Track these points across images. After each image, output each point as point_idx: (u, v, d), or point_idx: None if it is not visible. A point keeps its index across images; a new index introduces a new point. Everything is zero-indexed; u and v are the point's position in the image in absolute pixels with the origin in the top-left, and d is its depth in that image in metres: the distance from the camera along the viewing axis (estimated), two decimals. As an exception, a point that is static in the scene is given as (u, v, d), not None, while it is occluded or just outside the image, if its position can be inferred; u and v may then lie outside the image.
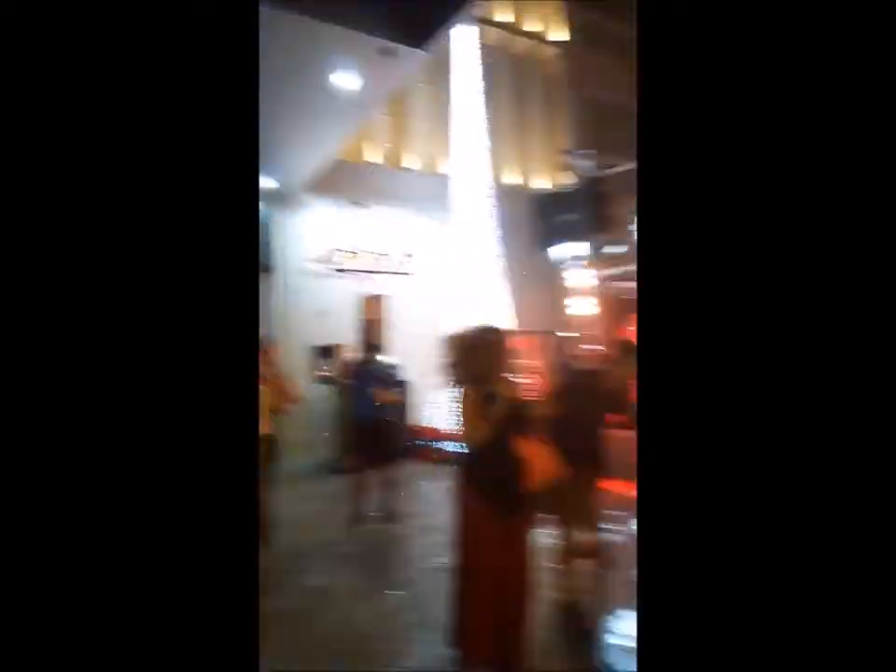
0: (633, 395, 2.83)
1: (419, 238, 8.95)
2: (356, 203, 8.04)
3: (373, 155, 8.95)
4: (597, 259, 6.96)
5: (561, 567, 2.98)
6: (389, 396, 4.51)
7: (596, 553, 3.37)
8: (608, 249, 6.73)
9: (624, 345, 3.02)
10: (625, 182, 7.82)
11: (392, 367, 5.00)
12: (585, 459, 3.09)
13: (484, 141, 8.09)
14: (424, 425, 7.51)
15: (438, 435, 7.17)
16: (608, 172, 6.66)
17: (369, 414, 4.34)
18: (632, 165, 7.20)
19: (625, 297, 8.36)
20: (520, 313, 7.97)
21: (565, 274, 7.87)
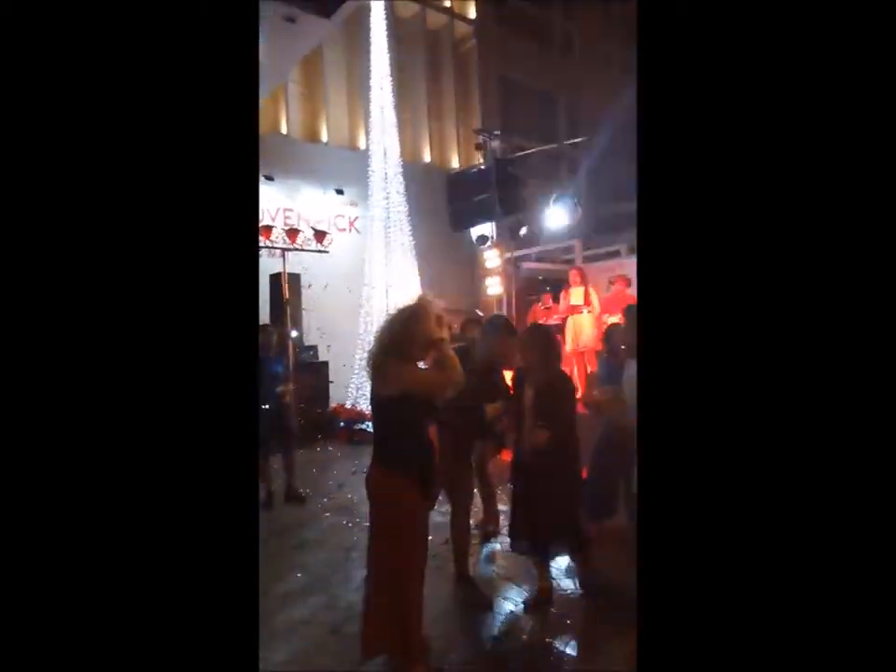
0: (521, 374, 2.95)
1: (333, 215, 8.70)
2: (264, 177, 7.65)
3: (284, 126, 8.55)
4: (509, 240, 7.09)
5: (458, 541, 3.07)
6: (286, 382, 4.65)
7: (489, 524, 3.50)
8: (521, 232, 6.86)
9: (533, 331, 3.07)
10: (535, 165, 8.01)
11: (303, 348, 4.92)
12: (487, 436, 3.22)
13: (397, 117, 7.94)
14: (345, 405, 7.41)
15: (358, 416, 7.09)
16: (519, 154, 6.76)
17: (270, 397, 4.42)
18: (542, 147, 7.32)
19: (535, 278, 8.62)
20: (434, 293, 8.02)
21: (479, 255, 7.97)
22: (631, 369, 2.61)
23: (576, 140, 7.85)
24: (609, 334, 3.32)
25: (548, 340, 2.91)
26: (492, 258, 7.29)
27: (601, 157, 11.42)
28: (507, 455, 3.39)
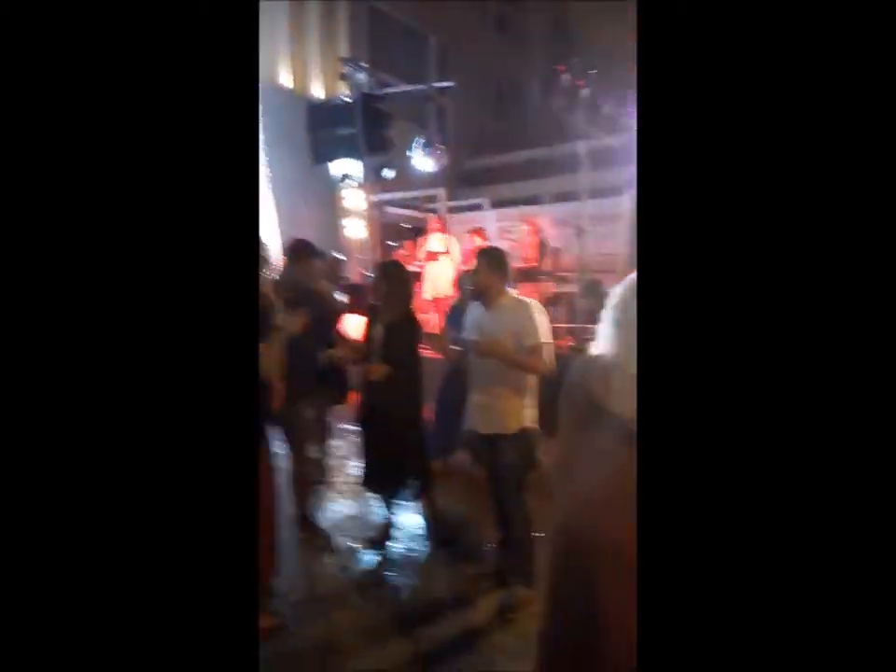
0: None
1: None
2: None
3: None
4: (372, 181, 6.84)
5: (299, 483, 3.05)
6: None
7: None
8: (385, 173, 6.63)
9: (385, 268, 2.98)
10: (402, 104, 7.73)
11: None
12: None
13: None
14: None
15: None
16: (386, 90, 6.47)
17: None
18: (410, 87, 7.06)
19: (397, 224, 8.48)
20: (290, 230, 7.51)
21: (339, 194, 7.61)
22: (473, 312, 2.60)
23: (445, 84, 7.69)
24: (461, 281, 3.35)
25: (399, 276, 2.85)
26: (354, 198, 7.02)
27: (469, 107, 11.40)
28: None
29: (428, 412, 3.15)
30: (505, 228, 8.10)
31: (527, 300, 2.48)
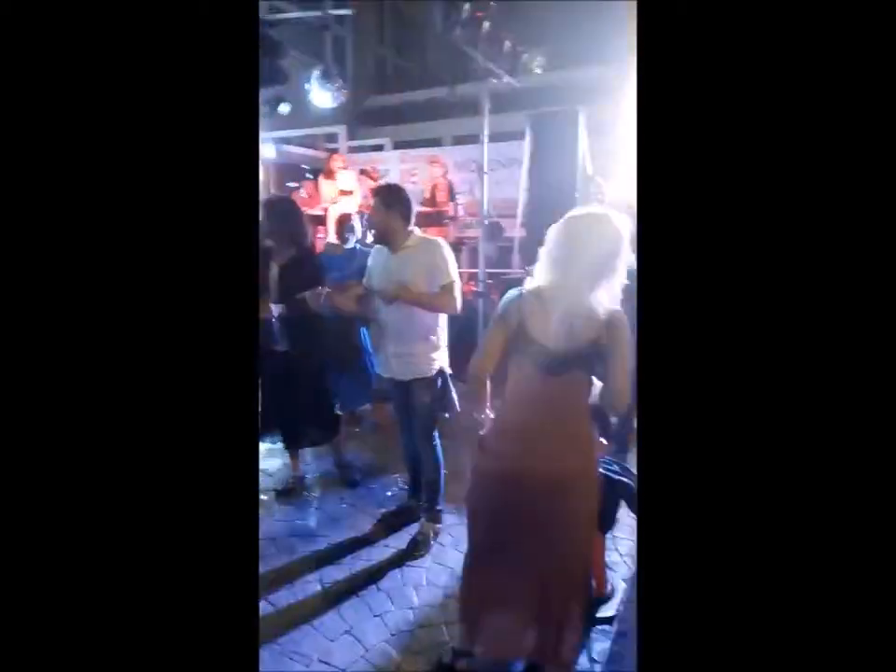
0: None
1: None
2: None
3: None
4: (266, 117, 6.39)
5: None
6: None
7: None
8: (280, 108, 6.19)
9: (273, 205, 2.79)
10: (296, 33, 7.18)
11: None
12: None
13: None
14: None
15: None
16: (279, 16, 5.96)
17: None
18: (306, 14, 6.58)
19: (295, 164, 8.03)
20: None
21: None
22: (378, 257, 2.53)
23: (342, 12, 7.21)
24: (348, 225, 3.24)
25: (292, 212, 2.73)
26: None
27: (366, 39, 10.81)
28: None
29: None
30: (409, 170, 7.93)
31: (435, 238, 2.44)
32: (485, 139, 4.96)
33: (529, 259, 1.81)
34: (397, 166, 8.12)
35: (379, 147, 8.76)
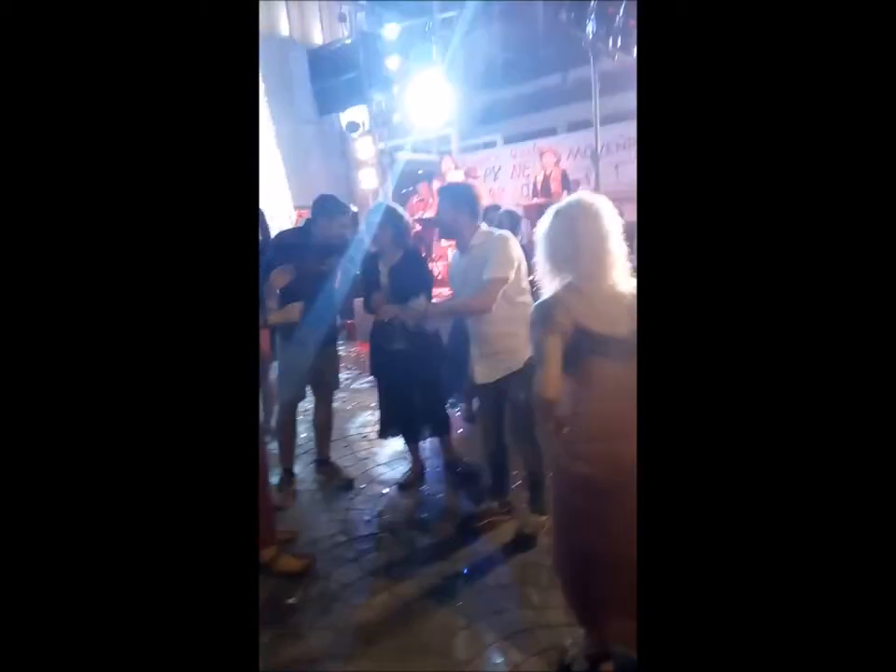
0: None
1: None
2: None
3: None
4: (382, 127, 6.65)
5: (320, 427, 3.22)
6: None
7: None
8: (393, 117, 6.42)
9: (383, 211, 2.84)
10: (404, 40, 7.39)
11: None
12: None
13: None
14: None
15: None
16: (386, 26, 6.18)
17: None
18: (411, 21, 6.72)
19: (411, 169, 8.27)
20: (301, 186, 7.40)
21: (349, 143, 7.43)
22: (456, 259, 2.50)
23: (448, 15, 7.30)
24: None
25: (397, 218, 2.78)
26: (364, 146, 6.85)
27: (476, 39, 10.83)
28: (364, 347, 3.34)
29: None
30: (520, 164, 7.83)
31: (501, 232, 2.34)
32: (597, 122, 4.74)
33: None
34: (508, 161, 8.05)
35: (492, 144, 8.75)
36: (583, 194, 1.60)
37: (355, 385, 4.92)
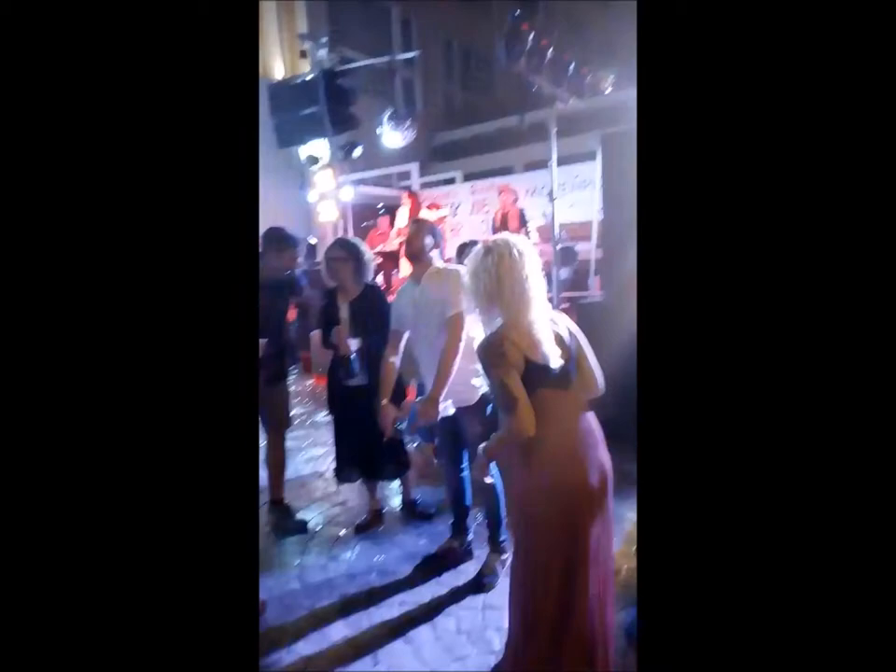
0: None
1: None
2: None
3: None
4: (340, 161, 6.68)
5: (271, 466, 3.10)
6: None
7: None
8: (355, 152, 6.46)
9: (342, 246, 2.85)
10: (366, 79, 7.53)
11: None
12: None
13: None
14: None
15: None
16: (349, 66, 6.27)
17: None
18: (373, 60, 6.84)
19: (371, 203, 8.33)
20: (263, 218, 7.31)
21: (309, 176, 7.42)
22: (406, 290, 2.51)
23: (409, 55, 7.49)
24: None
25: (358, 253, 2.77)
26: (324, 179, 6.86)
27: (435, 78, 11.14)
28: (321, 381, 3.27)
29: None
30: (480, 201, 7.99)
31: (456, 267, 2.37)
32: (554, 163, 4.90)
33: (607, 280, 1.84)
34: (468, 197, 8.20)
35: (451, 181, 8.91)
36: (507, 234, 1.70)
37: (311, 421, 4.81)
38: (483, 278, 1.59)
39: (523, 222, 6.24)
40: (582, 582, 1.56)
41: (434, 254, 2.42)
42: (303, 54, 6.56)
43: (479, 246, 1.67)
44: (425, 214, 6.74)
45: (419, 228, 2.45)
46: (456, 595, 2.35)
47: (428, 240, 2.40)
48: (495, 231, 6.41)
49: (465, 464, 2.51)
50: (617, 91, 5.36)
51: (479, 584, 2.37)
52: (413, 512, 3.03)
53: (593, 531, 1.57)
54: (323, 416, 4.67)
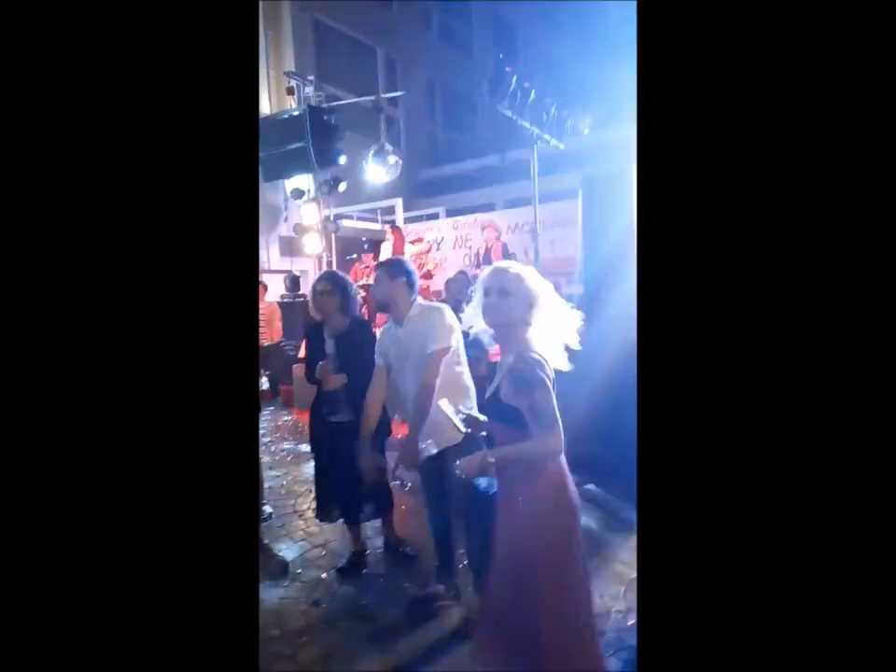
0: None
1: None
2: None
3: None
4: (325, 195, 6.74)
5: None
6: None
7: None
8: (339, 186, 6.53)
9: (330, 278, 2.79)
10: (352, 117, 7.67)
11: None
12: None
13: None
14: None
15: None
16: (334, 104, 6.38)
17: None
18: (359, 98, 7.00)
19: (355, 237, 8.37)
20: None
21: (294, 209, 7.46)
22: (389, 331, 2.48)
23: (394, 94, 7.66)
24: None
25: (345, 286, 2.75)
26: (308, 213, 6.89)
27: (419, 117, 11.36)
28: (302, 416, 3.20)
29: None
30: (463, 236, 8.09)
31: (437, 304, 2.38)
32: (536, 201, 5.00)
33: (588, 315, 1.80)
34: (451, 232, 8.30)
35: (434, 216, 9.02)
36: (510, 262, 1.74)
37: (292, 458, 4.70)
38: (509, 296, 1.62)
39: (506, 256, 6.32)
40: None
41: (405, 293, 2.35)
42: (290, 91, 6.65)
43: (488, 268, 1.69)
44: (408, 248, 6.80)
45: (388, 270, 2.38)
46: (443, 643, 2.27)
47: (395, 286, 2.34)
48: (478, 265, 6.47)
49: (448, 505, 2.44)
50: (595, 131, 5.51)
51: (466, 631, 2.29)
52: (398, 554, 2.95)
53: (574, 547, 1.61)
54: (304, 453, 4.57)
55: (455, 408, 1.96)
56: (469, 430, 1.80)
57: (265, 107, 9.16)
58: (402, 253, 6.63)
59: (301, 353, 5.40)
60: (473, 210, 8.70)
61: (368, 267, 6.90)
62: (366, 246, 7.08)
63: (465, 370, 2.36)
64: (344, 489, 2.75)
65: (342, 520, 2.88)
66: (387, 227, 7.41)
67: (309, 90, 6.62)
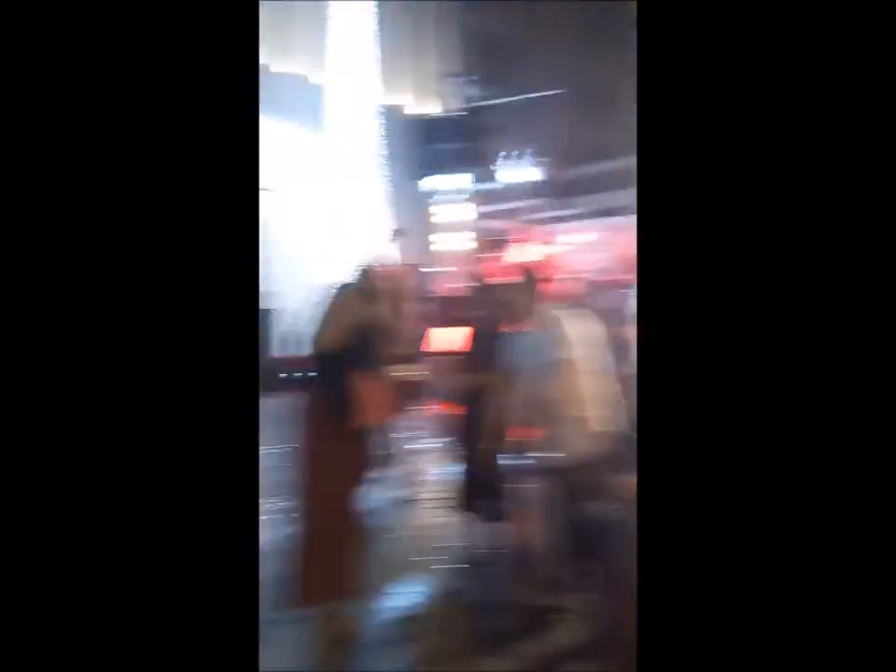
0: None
1: (285, 150, 8.15)
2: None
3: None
4: (473, 194, 6.89)
5: None
6: None
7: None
8: (488, 185, 6.66)
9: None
10: (504, 116, 7.73)
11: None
12: None
13: (369, 54, 7.39)
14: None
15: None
16: (491, 102, 6.49)
17: None
18: (513, 98, 7.06)
19: (499, 237, 8.45)
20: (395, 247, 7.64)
21: (436, 207, 7.70)
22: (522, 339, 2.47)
23: (548, 93, 7.59)
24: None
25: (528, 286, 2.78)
26: (454, 211, 7.09)
27: (571, 115, 11.14)
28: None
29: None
30: (604, 238, 7.84)
31: (555, 314, 2.34)
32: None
33: None
34: (592, 235, 8.06)
35: (578, 217, 8.82)
36: None
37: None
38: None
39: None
40: None
41: (531, 301, 2.37)
42: (442, 91, 6.85)
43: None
44: (543, 249, 6.73)
45: (509, 295, 2.43)
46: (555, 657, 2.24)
47: (522, 300, 2.37)
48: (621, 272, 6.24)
49: (576, 517, 2.40)
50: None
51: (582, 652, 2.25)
52: (521, 558, 2.96)
53: None
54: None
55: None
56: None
57: (413, 108, 9.45)
58: (540, 255, 6.59)
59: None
60: (623, 212, 8.37)
61: (505, 267, 6.95)
62: (504, 246, 7.14)
63: (600, 378, 2.31)
64: (482, 484, 2.81)
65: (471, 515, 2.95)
66: (526, 226, 7.39)
67: (461, 90, 6.77)
